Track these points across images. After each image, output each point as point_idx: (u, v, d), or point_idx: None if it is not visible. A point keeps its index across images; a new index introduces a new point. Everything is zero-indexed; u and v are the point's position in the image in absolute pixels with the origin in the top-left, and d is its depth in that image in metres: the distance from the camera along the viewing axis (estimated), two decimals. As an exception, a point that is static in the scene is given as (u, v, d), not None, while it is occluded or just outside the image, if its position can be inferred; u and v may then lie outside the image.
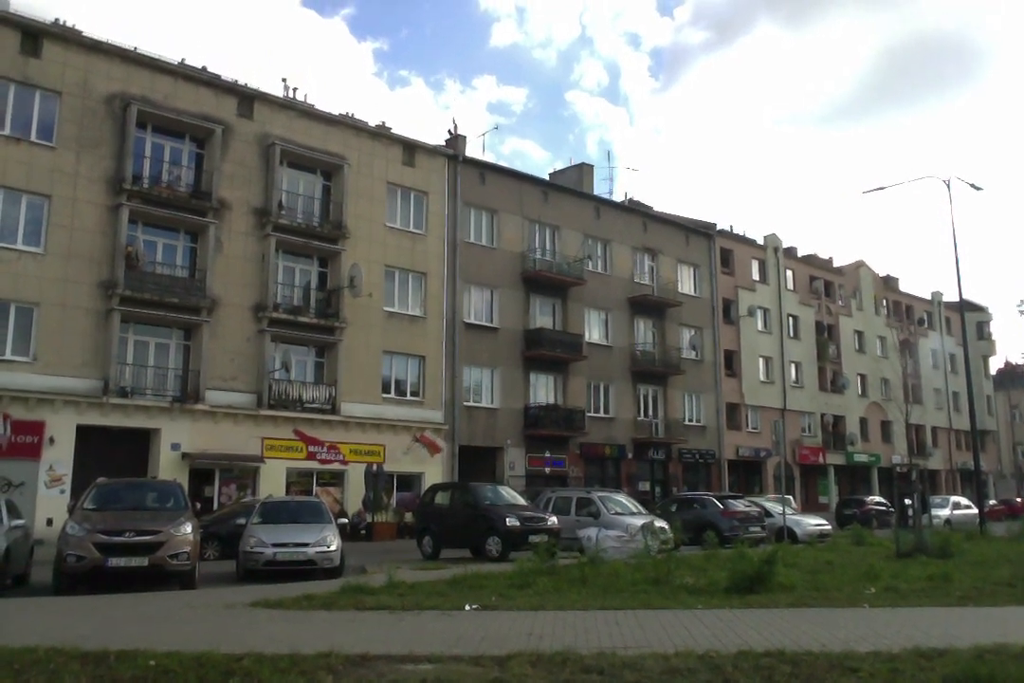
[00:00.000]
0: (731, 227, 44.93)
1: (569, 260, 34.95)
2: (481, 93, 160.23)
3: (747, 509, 23.63)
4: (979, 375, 57.35)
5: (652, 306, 38.24)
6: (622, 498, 21.83)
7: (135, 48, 25.54)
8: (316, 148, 28.49)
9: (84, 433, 22.75)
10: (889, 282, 56.47)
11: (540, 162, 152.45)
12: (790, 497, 33.57)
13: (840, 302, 50.73)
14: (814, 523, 25.13)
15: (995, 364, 66.31)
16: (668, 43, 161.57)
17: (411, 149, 31.35)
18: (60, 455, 22.34)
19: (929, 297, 59.38)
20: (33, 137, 23.28)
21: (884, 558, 15.78)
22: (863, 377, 50.68)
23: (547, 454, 32.83)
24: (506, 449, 31.67)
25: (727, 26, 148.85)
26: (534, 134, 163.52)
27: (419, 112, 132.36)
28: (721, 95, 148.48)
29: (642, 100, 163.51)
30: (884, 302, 54.60)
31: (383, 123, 31.82)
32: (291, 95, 29.80)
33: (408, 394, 29.95)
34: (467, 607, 9.41)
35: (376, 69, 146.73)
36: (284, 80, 30.79)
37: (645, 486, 36.57)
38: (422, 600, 9.96)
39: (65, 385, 22.59)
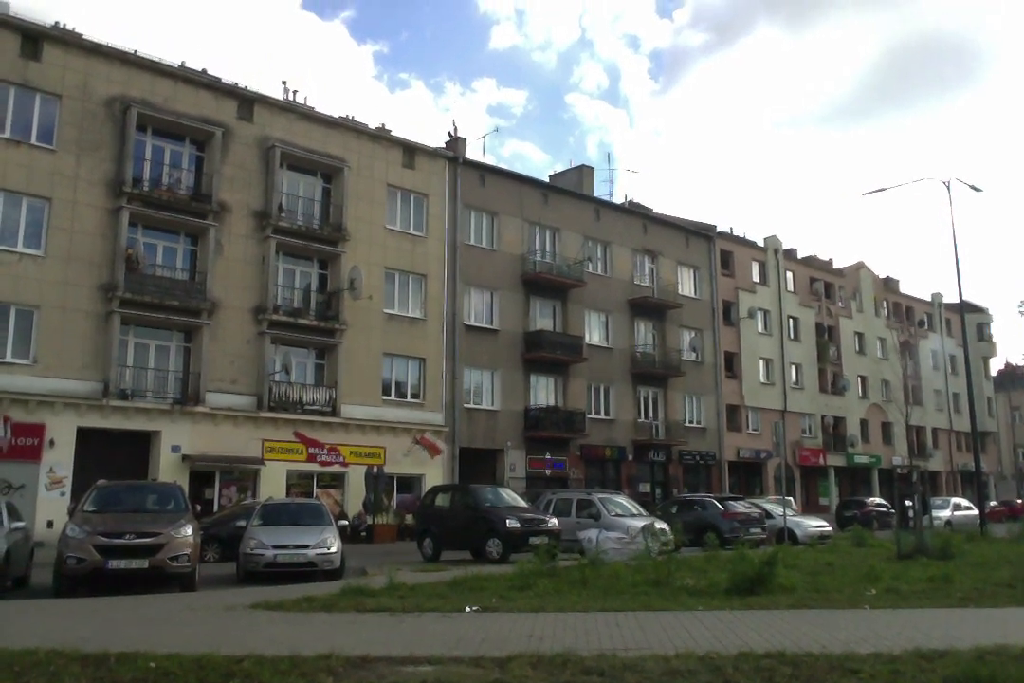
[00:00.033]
0: (731, 229, 45.03)
1: (569, 262, 34.97)
2: (481, 95, 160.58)
3: (748, 511, 23.60)
4: (979, 376, 57.34)
5: (652, 308, 38.25)
6: (622, 500, 21.82)
7: (135, 51, 25.58)
8: (316, 150, 28.52)
9: (84, 435, 22.75)
10: (889, 283, 56.49)
11: (540, 164, 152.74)
12: (791, 499, 33.57)
13: (840, 304, 50.74)
14: (815, 524, 25.12)
15: (995, 365, 66.39)
16: (668, 45, 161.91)
17: (411, 151, 31.38)
18: (60, 457, 22.35)
19: (929, 298, 59.40)
20: (33, 140, 23.31)
21: (885, 559, 15.79)
22: (863, 378, 50.68)
23: (547, 456, 32.83)
24: (506, 451, 31.67)
25: (726, 28, 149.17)
26: (534, 136, 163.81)
27: (419, 114, 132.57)
28: (721, 97, 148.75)
29: (642, 102, 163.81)
30: (884, 303, 54.62)
31: (383, 125, 31.86)
32: (291, 98, 29.85)
33: (408, 396, 29.95)
34: (467, 609, 9.41)
35: (376, 72, 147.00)
36: (284, 83, 30.86)
37: (645, 488, 36.57)
38: (422, 602, 9.96)
39: (65, 387, 22.61)
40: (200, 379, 24.78)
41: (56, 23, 25.34)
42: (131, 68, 25.14)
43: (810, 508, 41.31)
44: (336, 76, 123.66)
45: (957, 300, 28.79)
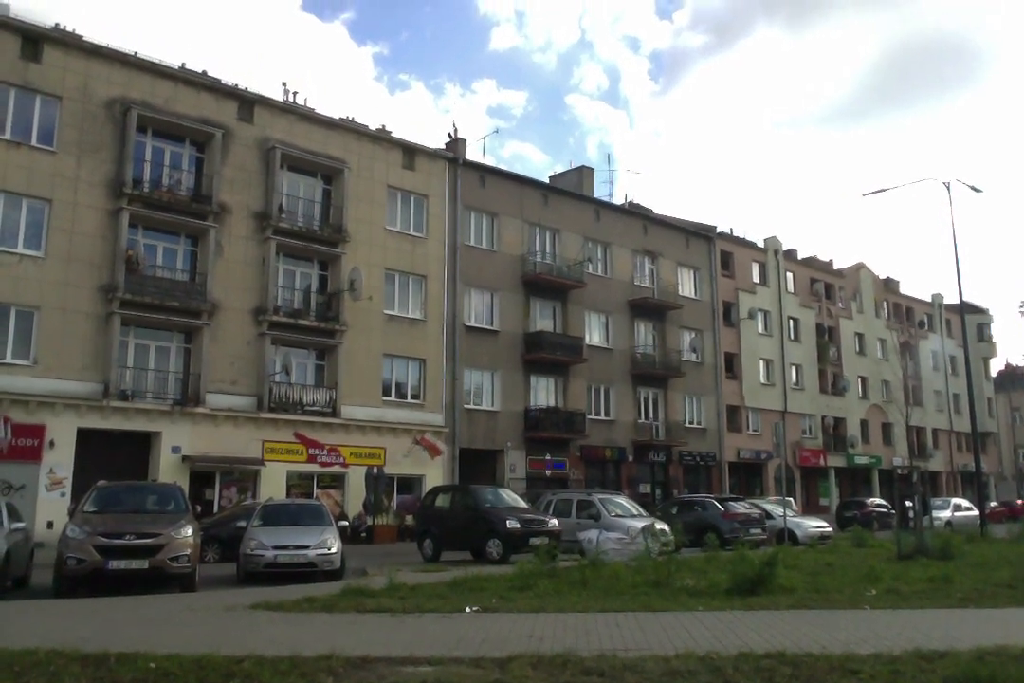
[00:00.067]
0: (731, 230, 45.04)
1: (569, 263, 34.98)
2: (481, 97, 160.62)
3: (748, 511, 23.62)
4: (980, 377, 57.34)
5: (652, 309, 38.26)
6: (623, 500, 21.82)
7: (135, 52, 25.60)
8: (316, 152, 28.53)
9: (84, 436, 22.76)
10: (889, 284, 56.49)
11: (540, 165, 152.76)
12: (791, 499, 33.57)
13: (840, 304, 50.75)
14: (815, 525, 25.12)
15: (996, 366, 66.39)
16: (667, 46, 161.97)
17: (411, 153, 31.39)
18: (60, 458, 22.36)
19: (929, 299, 59.40)
20: (34, 141, 23.32)
21: (885, 560, 15.79)
22: (864, 379, 50.68)
23: (547, 457, 32.83)
24: (506, 452, 31.67)
25: (726, 29, 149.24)
26: (534, 137, 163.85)
27: (419, 116, 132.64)
28: (721, 98, 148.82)
29: (642, 103, 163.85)
30: (884, 304, 54.64)
31: (383, 127, 31.88)
32: (291, 99, 29.88)
33: (408, 397, 29.96)
34: (468, 609, 9.41)
35: (376, 73, 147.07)
36: (284, 84, 31.05)
37: (646, 488, 36.56)
38: (423, 602, 9.96)
39: (66, 388, 22.62)
40: (200, 380, 24.79)
41: (56, 25, 25.38)
42: (131, 69, 25.16)
43: (810, 509, 41.28)
44: (336, 77, 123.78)
45: (957, 301, 28.80)
